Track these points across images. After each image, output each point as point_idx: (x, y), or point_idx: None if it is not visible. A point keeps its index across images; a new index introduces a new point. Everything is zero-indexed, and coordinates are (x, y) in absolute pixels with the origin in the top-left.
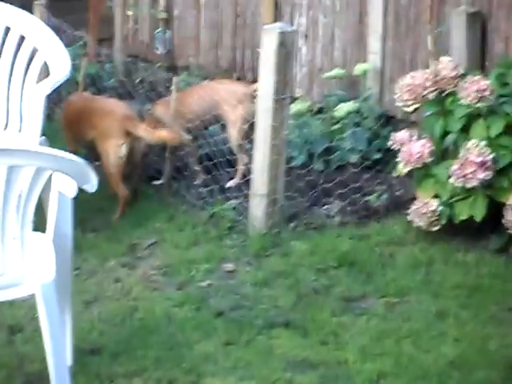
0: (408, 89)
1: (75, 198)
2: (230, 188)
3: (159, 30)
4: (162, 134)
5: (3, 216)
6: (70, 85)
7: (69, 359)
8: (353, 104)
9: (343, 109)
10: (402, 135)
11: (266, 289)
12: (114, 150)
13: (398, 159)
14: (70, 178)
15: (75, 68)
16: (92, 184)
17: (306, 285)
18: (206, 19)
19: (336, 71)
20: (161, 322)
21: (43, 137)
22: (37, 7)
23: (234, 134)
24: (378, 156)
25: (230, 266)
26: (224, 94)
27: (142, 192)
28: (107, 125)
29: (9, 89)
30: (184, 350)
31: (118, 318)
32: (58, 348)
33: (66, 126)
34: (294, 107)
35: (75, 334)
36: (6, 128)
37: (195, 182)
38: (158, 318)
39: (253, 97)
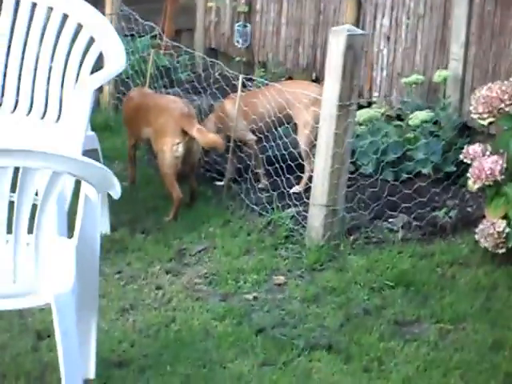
0: (484, 101)
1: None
2: (293, 194)
3: (240, 23)
4: (212, 139)
5: (16, 220)
6: (139, 76)
7: (91, 373)
8: (428, 113)
9: (418, 117)
10: (474, 149)
11: (314, 306)
12: (170, 150)
13: (468, 174)
14: (88, 183)
15: (144, 60)
16: (116, 191)
17: (357, 304)
18: (288, 14)
19: (415, 77)
20: (197, 336)
21: (93, 132)
22: None
23: (302, 139)
24: (451, 168)
25: (280, 279)
26: (294, 96)
27: (199, 193)
28: (163, 123)
29: (63, 79)
30: (217, 369)
31: (153, 329)
32: (71, 363)
33: (126, 121)
34: (368, 112)
35: (105, 343)
36: (57, 121)
37: (259, 186)
38: (195, 331)
39: None
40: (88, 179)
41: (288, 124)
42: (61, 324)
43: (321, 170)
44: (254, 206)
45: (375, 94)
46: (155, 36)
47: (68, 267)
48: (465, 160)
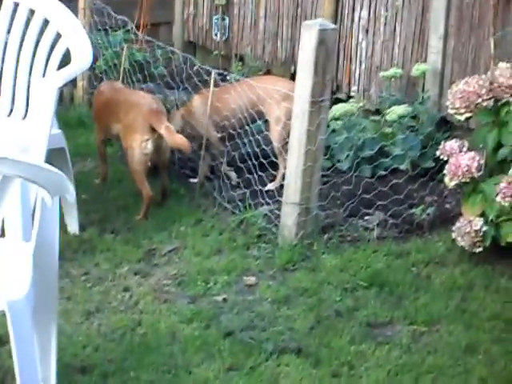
0: (461, 96)
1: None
2: (266, 192)
3: (217, 16)
4: (178, 140)
5: None
6: (112, 72)
7: (52, 379)
8: (405, 108)
9: (395, 112)
10: (451, 145)
11: (284, 307)
12: (139, 146)
13: (444, 171)
14: (41, 187)
15: (119, 55)
16: (70, 194)
17: (329, 306)
18: (266, 7)
19: (393, 71)
20: (163, 340)
21: (59, 130)
22: None
23: (274, 136)
24: (430, 164)
25: (251, 280)
26: (265, 91)
27: (171, 191)
28: (132, 119)
29: (30, 75)
30: (182, 374)
31: (118, 333)
32: (27, 370)
33: (95, 116)
34: (344, 107)
35: (68, 348)
36: (24, 118)
37: (232, 182)
38: (162, 334)
39: None
40: (40, 183)
41: (260, 120)
42: (15, 331)
43: (293, 167)
44: (227, 205)
45: (354, 87)
46: (129, 30)
47: (23, 272)
48: (441, 156)
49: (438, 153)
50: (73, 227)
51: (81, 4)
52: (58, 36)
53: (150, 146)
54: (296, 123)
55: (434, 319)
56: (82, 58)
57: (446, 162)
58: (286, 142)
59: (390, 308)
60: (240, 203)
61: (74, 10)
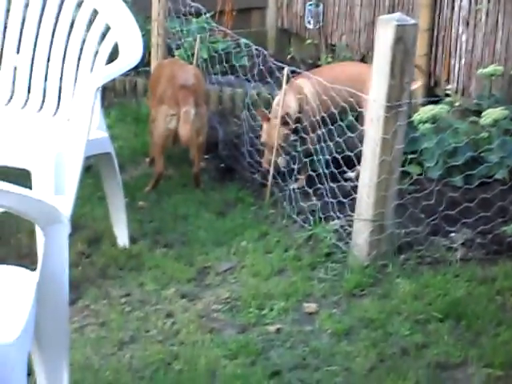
0: None
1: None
2: (341, 204)
3: (311, 2)
4: (183, 130)
5: None
6: (191, 61)
7: None
8: (502, 111)
9: (490, 115)
10: None
11: (345, 342)
12: (164, 120)
13: None
14: (29, 219)
15: (202, 42)
16: (64, 225)
17: (396, 342)
18: None
19: (493, 68)
20: (200, 379)
21: (105, 134)
22: None
23: None
24: None
25: (311, 307)
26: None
27: (238, 199)
28: (163, 90)
29: (77, 70)
30: None
31: (151, 368)
32: None
33: (150, 89)
34: (432, 109)
35: None
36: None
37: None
38: (200, 372)
39: None
40: (27, 214)
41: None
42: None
43: (366, 180)
44: (296, 217)
45: (451, 85)
46: (214, 15)
47: (16, 312)
48: None
49: None
50: (122, 240)
51: None
52: (108, 28)
53: (174, 121)
54: (370, 130)
55: None
56: (131, 55)
57: None
58: None
59: (465, 346)
60: (310, 216)
61: None
